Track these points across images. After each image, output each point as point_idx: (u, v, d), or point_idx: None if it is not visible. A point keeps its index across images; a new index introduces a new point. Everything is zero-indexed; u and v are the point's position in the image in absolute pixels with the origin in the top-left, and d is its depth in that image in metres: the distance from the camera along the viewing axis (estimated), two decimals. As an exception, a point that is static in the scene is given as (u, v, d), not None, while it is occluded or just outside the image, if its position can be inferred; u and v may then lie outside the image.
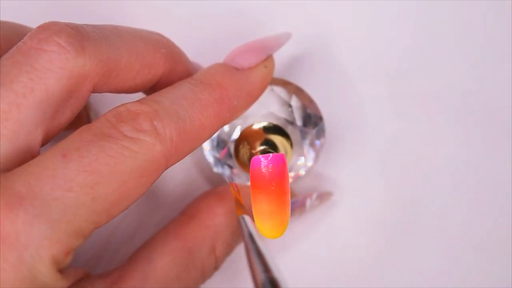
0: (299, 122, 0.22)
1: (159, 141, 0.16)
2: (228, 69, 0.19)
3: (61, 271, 0.15)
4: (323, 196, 0.24)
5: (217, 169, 0.23)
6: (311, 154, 0.22)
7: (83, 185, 0.15)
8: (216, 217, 0.20)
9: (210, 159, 0.22)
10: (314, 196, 0.23)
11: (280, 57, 0.23)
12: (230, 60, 0.19)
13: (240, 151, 0.22)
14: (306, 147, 0.22)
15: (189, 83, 0.18)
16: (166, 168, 0.17)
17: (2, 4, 0.24)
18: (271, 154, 0.17)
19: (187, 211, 0.21)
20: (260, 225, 0.17)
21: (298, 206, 0.23)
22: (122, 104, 0.16)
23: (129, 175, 0.15)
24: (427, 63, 0.25)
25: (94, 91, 0.17)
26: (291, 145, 0.22)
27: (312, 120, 0.22)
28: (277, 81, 0.22)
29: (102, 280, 0.18)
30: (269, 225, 0.17)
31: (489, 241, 0.24)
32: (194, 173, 0.25)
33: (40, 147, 0.16)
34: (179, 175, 0.24)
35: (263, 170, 0.17)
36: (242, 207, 0.18)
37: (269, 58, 0.20)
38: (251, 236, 0.16)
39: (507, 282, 0.24)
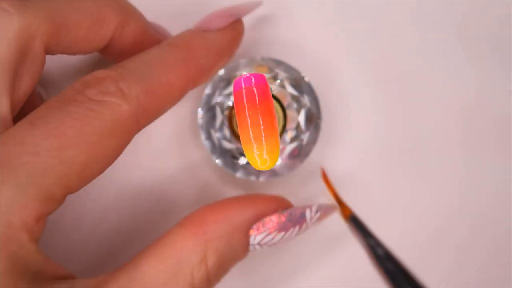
0: (289, 89, 0.21)
1: (125, 100, 0.16)
2: (196, 31, 0.19)
3: (36, 241, 0.15)
4: (327, 210, 0.20)
5: (214, 158, 0.22)
6: (306, 124, 0.22)
7: (50, 148, 0.15)
8: (207, 225, 0.18)
9: (207, 144, 0.22)
10: (314, 208, 0.19)
11: (272, 53, 0.23)
12: (198, 26, 0.20)
13: (233, 120, 0.21)
14: (302, 119, 0.21)
15: (157, 48, 0.18)
16: (139, 130, 0.17)
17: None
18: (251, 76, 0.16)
19: (179, 221, 0.19)
20: (250, 154, 0.15)
21: (296, 219, 0.19)
22: (90, 73, 0.17)
23: (98, 136, 0.15)
24: (421, 54, 0.24)
25: (47, 52, 0.17)
26: (284, 112, 0.21)
27: (303, 88, 0.21)
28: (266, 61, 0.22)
29: (86, 281, 0.17)
30: (259, 153, 0.15)
31: (490, 241, 0.24)
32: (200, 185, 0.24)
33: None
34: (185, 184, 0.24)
35: (245, 89, 0.16)
36: (344, 205, 0.18)
37: (237, 20, 0.20)
38: (367, 233, 0.16)
39: (508, 282, 0.23)
